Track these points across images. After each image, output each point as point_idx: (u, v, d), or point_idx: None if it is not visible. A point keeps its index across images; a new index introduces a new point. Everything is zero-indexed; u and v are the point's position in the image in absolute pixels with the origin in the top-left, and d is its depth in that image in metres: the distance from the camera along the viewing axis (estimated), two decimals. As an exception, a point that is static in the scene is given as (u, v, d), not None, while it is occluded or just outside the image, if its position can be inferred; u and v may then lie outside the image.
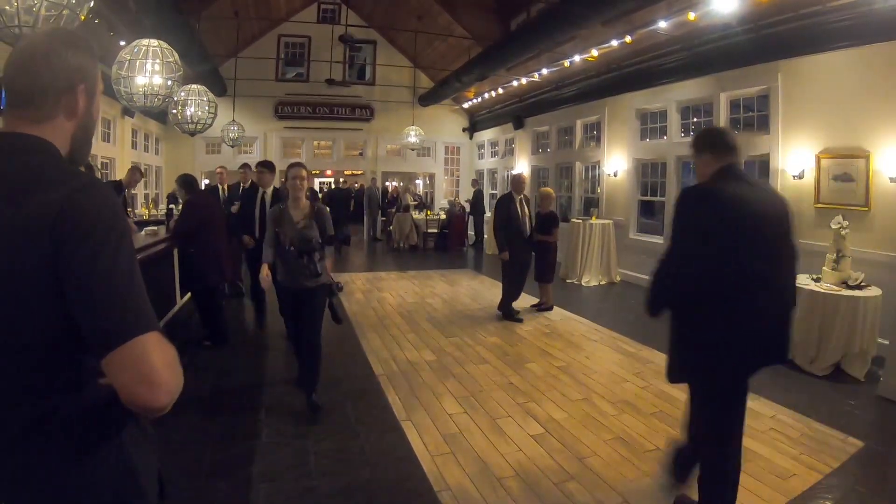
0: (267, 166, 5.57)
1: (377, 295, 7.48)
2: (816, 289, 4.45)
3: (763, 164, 6.31)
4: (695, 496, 2.33)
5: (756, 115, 6.54)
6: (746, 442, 3.10)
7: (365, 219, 14.51)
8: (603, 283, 8.45)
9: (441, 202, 14.56)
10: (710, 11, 5.83)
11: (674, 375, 2.22)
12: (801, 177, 5.70)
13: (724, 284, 2.03)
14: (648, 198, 8.61)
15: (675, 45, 7.20)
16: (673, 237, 2.14)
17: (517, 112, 11.95)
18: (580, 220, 8.81)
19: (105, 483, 0.98)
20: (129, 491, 1.01)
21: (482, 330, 5.70)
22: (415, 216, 12.90)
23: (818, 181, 5.48)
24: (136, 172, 6.89)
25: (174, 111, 6.02)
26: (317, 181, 20.15)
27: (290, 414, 3.52)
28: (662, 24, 6.40)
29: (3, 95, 0.98)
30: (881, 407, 3.75)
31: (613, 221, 8.73)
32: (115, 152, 9.45)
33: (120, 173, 8.52)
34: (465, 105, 14.00)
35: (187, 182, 4.91)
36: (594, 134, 9.91)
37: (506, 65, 9.17)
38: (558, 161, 11.02)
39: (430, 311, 6.57)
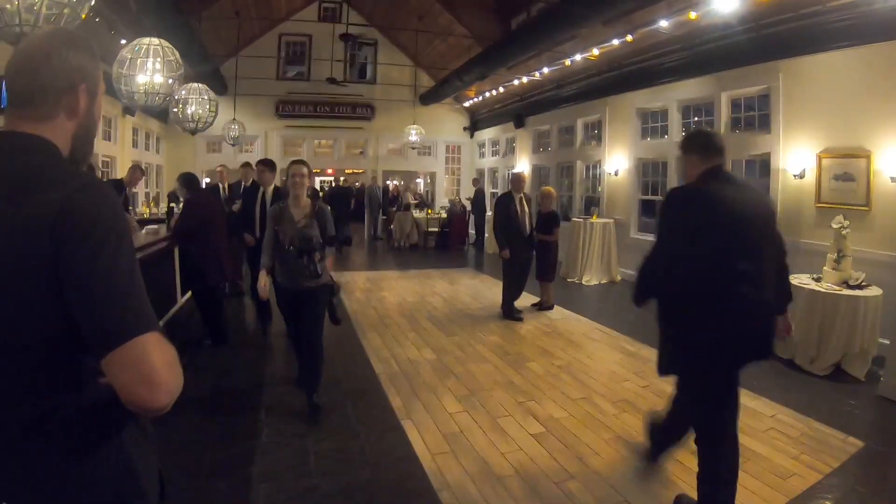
0: (267, 165, 5.56)
1: (378, 294, 7.48)
2: (817, 288, 4.44)
3: (764, 164, 6.30)
4: (693, 494, 2.34)
5: (757, 115, 6.53)
6: (747, 441, 3.12)
7: (366, 218, 14.51)
8: (604, 282, 8.45)
9: (442, 201, 14.56)
10: (710, 11, 5.82)
11: (662, 369, 2.30)
12: (801, 176, 5.69)
13: (710, 284, 2.07)
14: (649, 197, 8.59)
15: (676, 44, 7.19)
16: (659, 236, 2.20)
17: (518, 111, 11.94)
18: (581, 220, 8.81)
19: (105, 483, 0.98)
20: (129, 491, 1.01)
21: (483, 329, 5.70)
22: (415, 215, 12.91)
23: (819, 181, 5.48)
24: (136, 171, 6.89)
25: (175, 110, 6.02)
26: (318, 180, 20.14)
27: (290, 414, 3.52)
28: (663, 24, 6.39)
29: (5, 95, 0.98)
30: (881, 407, 3.74)
31: (614, 220, 8.74)
32: (115, 151, 9.46)
33: (121, 172, 8.52)
34: (466, 104, 13.99)
35: (188, 181, 4.90)
36: (595, 133, 9.90)
37: (506, 64, 9.17)
38: (559, 160, 11.02)
39: (430, 310, 6.57)
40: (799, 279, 4.71)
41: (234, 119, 10.76)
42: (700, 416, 2.27)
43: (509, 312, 6.14)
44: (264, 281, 3.58)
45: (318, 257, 3.45)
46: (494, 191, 13.64)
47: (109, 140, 9.25)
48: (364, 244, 13.58)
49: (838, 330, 4.25)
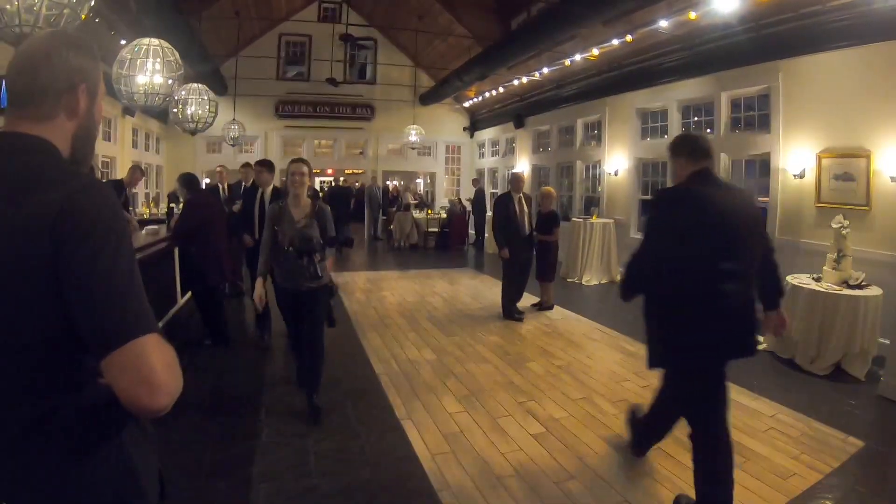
0: (265, 165, 5.55)
1: (378, 294, 7.48)
2: (817, 288, 4.44)
3: (764, 164, 6.31)
4: (692, 493, 2.34)
5: (757, 115, 6.53)
6: (747, 441, 3.13)
7: (366, 218, 14.51)
8: (604, 282, 8.45)
9: (442, 201, 14.56)
10: (710, 11, 5.82)
11: (651, 363, 2.38)
12: (801, 176, 5.69)
13: (697, 283, 2.13)
14: (649, 197, 8.59)
15: (676, 44, 7.19)
16: (647, 235, 2.28)
17: (518, 111, 11.94)
18: (581, 220, 8.81)
19: (105, 483, 0.98)
20: (129, 491, 1.01)
21: (483, 329, 5.70)
22: (415, 215, 12.91)
23: (819, 180, 5.48)
24: (136, 171, 6.89)
25: (175, 110, 6.01)
26: (318, 180, 20.14)
27: (290, 414, 3.52)
28: (663, 24, 6.39)
29: (5, 95, 0.98)
30: (881, 407, 3.74)
31: (614, 220, 8.74)
32: (115, 151, 9.46)
33: (121, 172, 8.52)
34: (466, 104, 14.00)
35: (188, 181, 4.90)
36: (595, 133, 9.90)
37: (506, 64, 9.17)
38: (559, 160, 11.02)
39: (430, 310, 6.57)
40: (799, 279, 4.72)
41: (234, 119, 10.75)
42: (690, 414, 2.34)
43: (509, 312, 6.14)
44: (260, 292, 3.48)
45: (318, 258, 3.39)
46: (494, 191, 13.64)
47: (109, 140, 9.26)
48: (364, 244, 13.58)
49: (838, 330, 4.25)
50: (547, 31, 7.04)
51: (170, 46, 4.45)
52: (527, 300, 6.55)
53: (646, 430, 2.77)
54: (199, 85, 6.24)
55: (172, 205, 7.51)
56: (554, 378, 4.28)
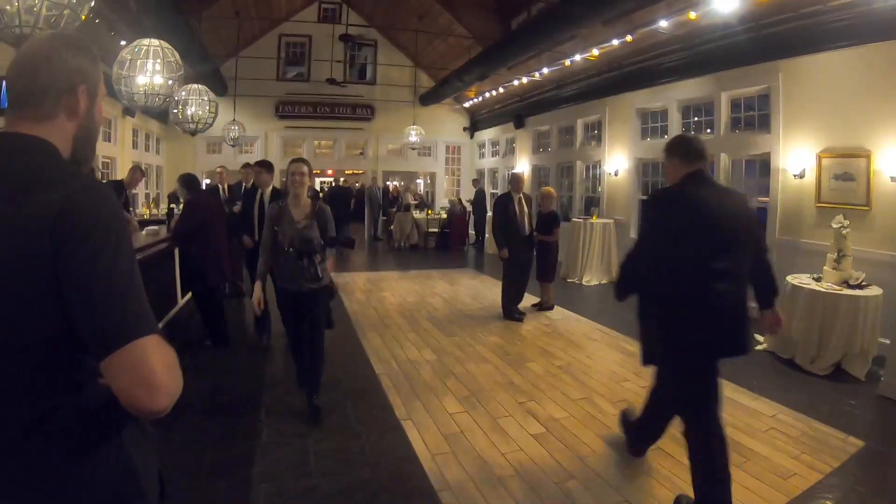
0: (265, 166, 5.55)
1: (378, 294, 7.49)
2: (817, 288, 4.44)
3: (764, 164, 6.31)
4: (692, 493, 2.35)
5: (757, 115, 6.53)
6: (747, 441, 3.13)
7: (366, 218, 14.52)
8: (604, 282, 8.44)
9: (442, 202, 14.56)
10: (710, 11, 5.82)
11: (645, 359, 2.43)
12: (801, 176, 5.69)
13: (691, 283, 2.15)
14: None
15: (676, 44, 7.18)
16: (642, 235, 2.32)
17: (518, 111, 11.94)
18: (581, 220, 8.81)
19: (105, 483, 0.98)
20: (129, 491, 1.01)
21: (483, 329, 5.70)
22: (415, 215, 12.90)
23: (819, 180, 5.47)
24: (137, 172, 6.89)
25: (175, 111, 6.02)
26: (318, 181, 20.15)
27: (290, 414, 3.52)
28: (663, 24, 6.39)
29: (5, 96, 0.99)
30: (882, 407, 3.74)
31: (614, 221, 8.74)
32: (115, 152, 9.46)
33: (121, 173, 8.53)
34: (466, 104, 14.00)
35: (188, 182, 4.91)
36: (595, 133, 9.90)
37: (506, 64, 9.17)
38: (559, 160, 11.02)
39: (430, 310, 6.57)
40: (799, 279, 4.71)
41: (234, 120, 10.75)
42: (684, 412, 2.36)
43: (509, 313, 6.14)
44: (259, 296, 3.47)
45: (318, 259, 3.38)
46: (495, 191, 13.63)
47: (109, 141, 9.26)
48: (364, 245, 13.58)
49: (838, 330, 4.25)
50: (547, 31, 7.04)
51: (170, 47, 4.46)
52: (527, 300, 6.55)
53: (639, 431, 2.80)
54: (199, 85, 6.24)
55: (172, 205, 7.51)
56: (554, 378, 4.28)
